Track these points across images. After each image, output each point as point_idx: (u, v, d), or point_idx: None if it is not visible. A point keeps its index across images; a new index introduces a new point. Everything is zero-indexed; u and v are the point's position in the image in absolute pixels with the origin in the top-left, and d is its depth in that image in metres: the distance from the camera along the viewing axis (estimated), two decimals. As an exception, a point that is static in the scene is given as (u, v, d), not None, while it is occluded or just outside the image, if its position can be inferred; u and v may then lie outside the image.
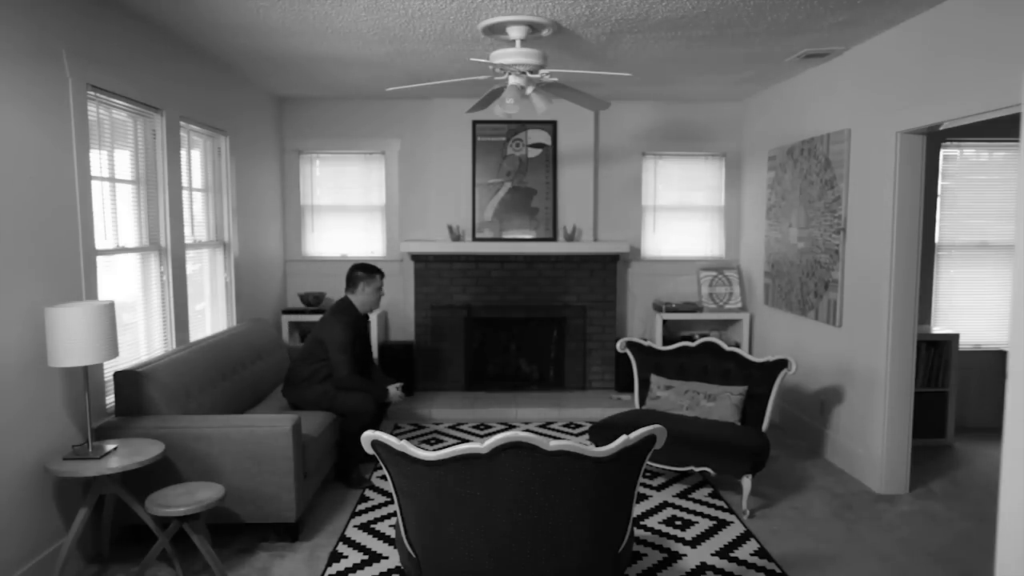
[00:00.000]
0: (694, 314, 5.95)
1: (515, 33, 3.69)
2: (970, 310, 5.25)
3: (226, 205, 4.91)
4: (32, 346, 2.85)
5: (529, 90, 3.72)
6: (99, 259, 3.35)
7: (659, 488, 4.10)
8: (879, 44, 4.01)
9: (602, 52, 4.32)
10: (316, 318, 5.88)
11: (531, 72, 3.64)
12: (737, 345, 5.93)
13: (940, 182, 5.16)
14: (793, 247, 5.05)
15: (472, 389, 6.02)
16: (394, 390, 4.22)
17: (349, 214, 6.23)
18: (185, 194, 4.28)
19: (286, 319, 5.89)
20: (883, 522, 3.65)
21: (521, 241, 5.93)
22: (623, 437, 2.24)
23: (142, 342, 3.80)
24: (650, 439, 2.30)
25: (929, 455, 4.65)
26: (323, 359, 4.12)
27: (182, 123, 4.22)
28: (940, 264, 5.23)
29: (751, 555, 3.29)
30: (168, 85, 3.99)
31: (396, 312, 6.24)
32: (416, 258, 5.91)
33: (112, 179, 3.54)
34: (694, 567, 3.19)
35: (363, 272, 4.24)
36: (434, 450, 2.20)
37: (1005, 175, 5.22)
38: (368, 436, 2.26)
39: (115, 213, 3.56)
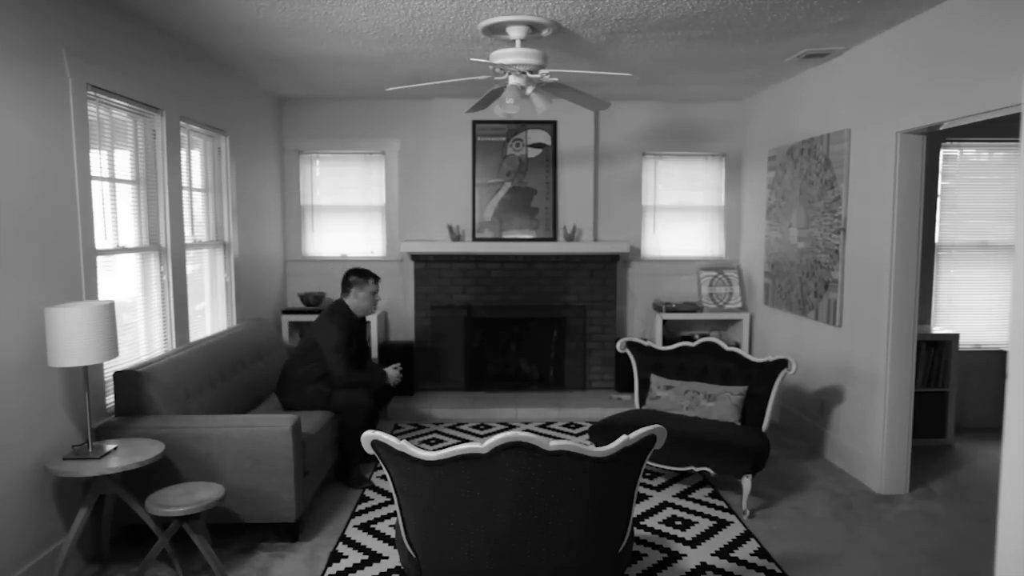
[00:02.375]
0: (694, 314, 5.95)
1: (515, 33, 3.69)
2: (970, 310, 5.25)
3: (226, 205, 4.91)
4: (32, 346, 2.85)
5: (529, 90, 3.72)
6: (99, 259, 3.35)
7: (659, 488, 4.10)
8: (879, 44, 4.01)
9: (602, 52, 4.32)
10: (315, 318, 5.88)
11: (531, 72, 3.64)
12: (737, 345, 5.93)
13: (940, 182, 5.16)
14: (793, 247, 5.05)
15: (472, 389, 6.02)
16: (392, 371, 4.29)
17: (349, 214, 6.23)
18: (185, 194, 4.28)
19: (286, 319, 5.89)
20: (883, 522, 3.65)
21: (521, 241, 5.93)
22: (623, 437, 2.24)
23: (142, 342, 3.80)
24: (650, 439, 2.30)
25: (929, 455, 4.65)
26: (316, 360, 4.13)
27: (182, 123, 4.22)
28: (940, 264, 5.23)
29: (751, 555, 3.29)
30: (168, 85, 3.99)
31: (396, 312, 6.24)
32: (416, 258, 5.91)
33: (112, 179, 3.54)
34: (694, 567, 3.19)
35: (356, 276, 4.25)
36: (434, 450, 2.20)
37: (1005, 175, 5.22)
38: (368, 436, 2.26)
39: (115, 213, 3.56)
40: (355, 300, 4.24)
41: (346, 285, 4.27)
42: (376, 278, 4.29)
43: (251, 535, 3.46)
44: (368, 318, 5.76)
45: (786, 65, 4.72)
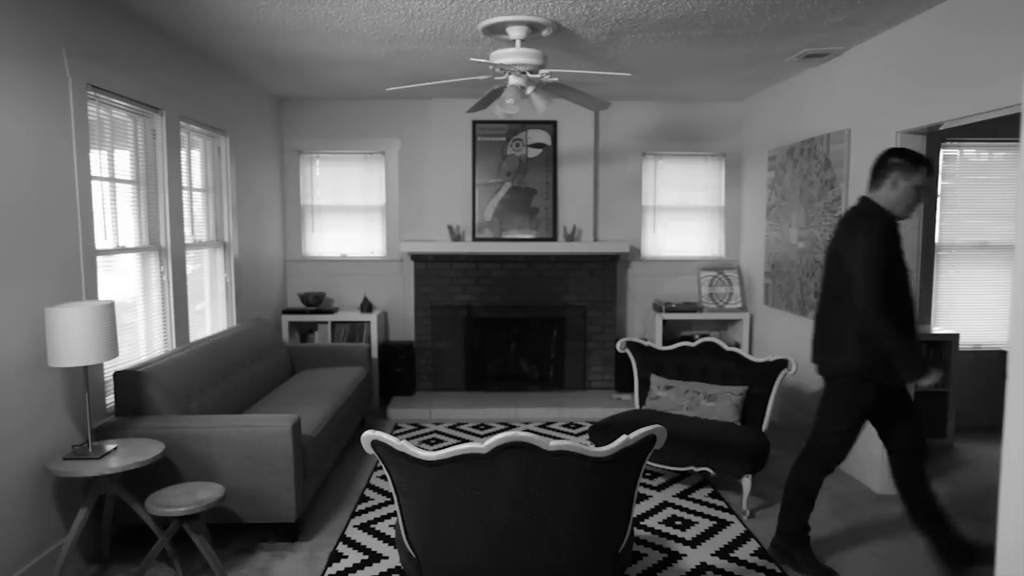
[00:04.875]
0: (694, 314, 5.94)
1: (515, 33, 3.69)
2: (970, 310, 5.25)
3: (226, 205, 4.91)
4: (32, 346, 2.85)
5: (529, 90, 3.73)
6: (99, 259, 3.35)
7: (659, 488, 4.10)
8: (879, 44, 4.01)
9: (602, 52, 4.32)
10: (316, 318, 5.88)
11: (531, 72, 3.65)
12: (737, 345, 5.93)
13: (940, 182, 5.16)
14: (793, 247, 5.05)
15: (472, 389, 6.02)
16: (935, 375, 2.76)
17: (349, 214, 6.23)
18: (185, 194, 4.28)
19: (286, 319, 5.88)
20: (883, 522, 3.65)
21: (521, 241, 5.93)
22: (623, 437, 2.24)
23: (142, 342, 3.80)
24: (650, 439, 2.30)
25: (929, 455, 4.65)
26: (848, 294, 2.76)
27: (182, 123, 4.22)
28: (940, 264, 5.23)
29: (751, 555, 3.29)
30: (168, 85, 3.99)
31: (396, 312, 6.23)
32: (416, 258, 5.90)
33: (112, 179, 3.54)
34: (694, 567, 3.19)
35: (901, 159, 2.83)
36: (434, 450, 2.20)
37: (1005, 175, 5.22)
38: (368, 436, 2.26)
39: (115, 213, 3.56)
40: (891, 193, 2.83)
41: (882, 169, 2.87)
42: (930, 168, 2.86)
43: (251, 535, 3.46)
44: (368, 315, 5.77)
45: (786, 65, 4.72)
